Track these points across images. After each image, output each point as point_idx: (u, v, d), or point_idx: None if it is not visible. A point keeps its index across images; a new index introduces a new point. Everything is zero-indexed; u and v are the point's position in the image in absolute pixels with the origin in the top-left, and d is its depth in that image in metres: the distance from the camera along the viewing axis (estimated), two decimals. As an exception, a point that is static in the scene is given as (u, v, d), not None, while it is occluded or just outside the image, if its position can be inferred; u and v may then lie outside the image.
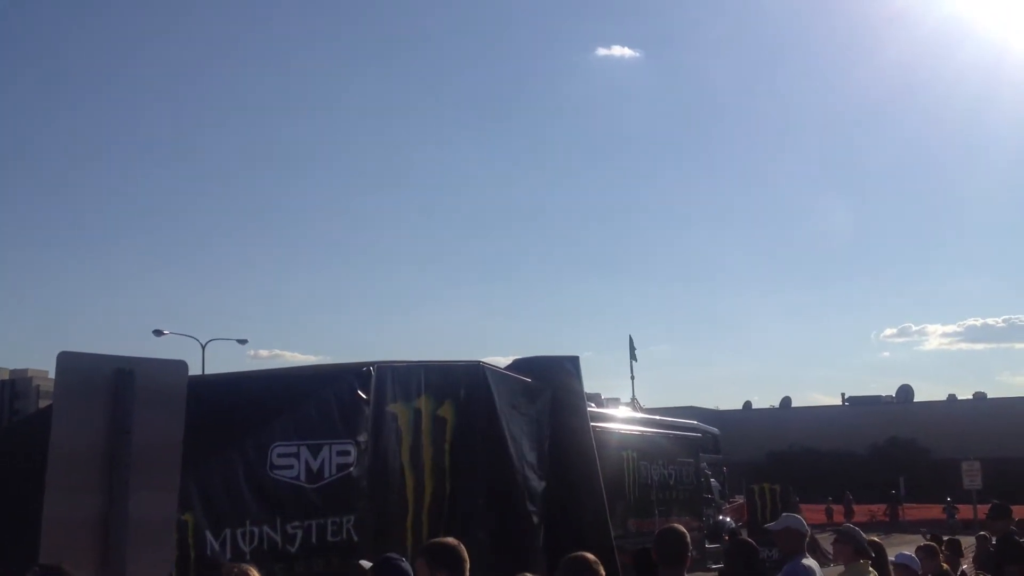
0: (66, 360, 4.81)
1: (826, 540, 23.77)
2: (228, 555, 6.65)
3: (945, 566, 9.15)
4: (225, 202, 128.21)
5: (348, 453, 7.84)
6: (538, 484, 10.38)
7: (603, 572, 4.96)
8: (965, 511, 37.98)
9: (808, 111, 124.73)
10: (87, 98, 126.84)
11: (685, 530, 5.73)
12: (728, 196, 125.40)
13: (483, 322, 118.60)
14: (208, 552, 6.55)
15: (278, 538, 7.09)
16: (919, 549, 9.03)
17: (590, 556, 5.01)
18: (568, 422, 11.20)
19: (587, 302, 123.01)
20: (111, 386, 4.83)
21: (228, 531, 6.74)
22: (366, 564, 5.13)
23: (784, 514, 7.85)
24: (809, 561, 7.36)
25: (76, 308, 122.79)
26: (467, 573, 4.66)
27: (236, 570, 3.20)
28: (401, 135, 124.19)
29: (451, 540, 4.84)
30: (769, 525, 7.64)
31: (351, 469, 7.81)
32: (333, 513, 7.57)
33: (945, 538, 11.30)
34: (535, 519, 10.10)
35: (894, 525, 41.12)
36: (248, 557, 6.61)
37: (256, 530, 6.94)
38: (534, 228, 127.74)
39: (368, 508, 7.93)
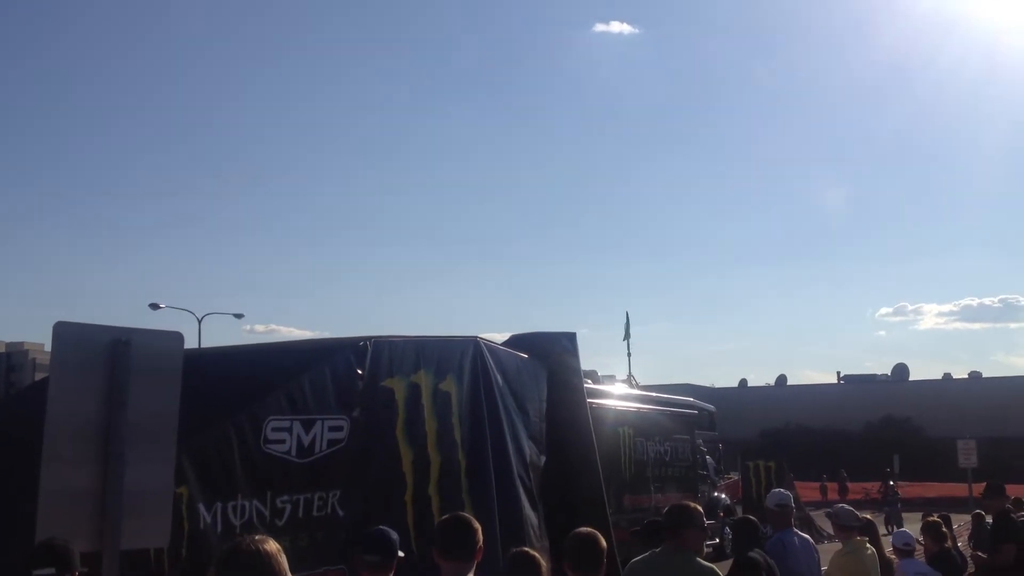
0: (63, 330, 4.80)
1: (821, 518, 23.92)
2: (220, 529, 6.64)
3: (947, 544, 9.30)
4: (222, 176, 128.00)
5: (340, 428, 7.78)
6: (538, 459, 10.38)
7: (605, 546, 4.99)
8: (941, 489, 37.25)
9: (805, 88, 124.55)
10: (89, 75, 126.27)
11: (696, 506, 5.85)
12: (725, 173, 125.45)
13: (479, 298, 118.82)
14: (201, 526, 6.52)
15: (267, 512, 7.06)
16: (923, 527, 9.21)
17: (595, 532, 5.04)
18: (565, 398, 11.17)
19: (584, 279, 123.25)
20: (108, 356, 4.82)
21: (220, 505, 6.70)
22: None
23: (772, 490, 8.15)
24: (795, 536, 7.69)
25: (72, 282, 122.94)
26: (477, 547, 4.66)
27: (252, 541, 3.12)
28: (397, 111, 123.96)
29: (463, 518, 4.83)
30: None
31: (341, 444, 7.78)
32: (320, 488, 7.54)
33: (934, 517, 11.34)
34: (535, 494, 10.11)
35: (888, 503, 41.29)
36: (238, 531, 6.59)
37: (246, 504, 6.91)
38: (530, 204, 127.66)
39: (356, 483, 7.91)
